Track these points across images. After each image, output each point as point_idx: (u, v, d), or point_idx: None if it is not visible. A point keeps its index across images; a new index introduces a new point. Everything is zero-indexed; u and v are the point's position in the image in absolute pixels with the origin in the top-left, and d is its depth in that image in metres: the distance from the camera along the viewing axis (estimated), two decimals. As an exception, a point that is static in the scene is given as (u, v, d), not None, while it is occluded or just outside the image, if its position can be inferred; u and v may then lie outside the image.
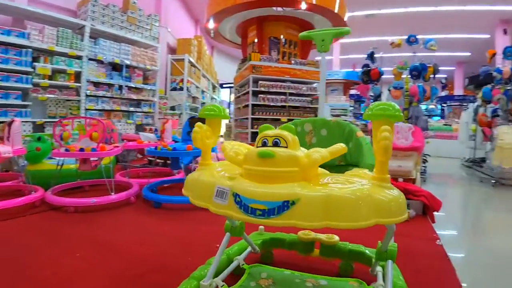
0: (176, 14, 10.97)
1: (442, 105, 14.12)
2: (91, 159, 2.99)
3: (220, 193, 0.91)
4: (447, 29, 12.87)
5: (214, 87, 13.16)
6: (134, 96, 6.75)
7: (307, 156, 0.93)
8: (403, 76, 5.23)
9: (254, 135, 6.69)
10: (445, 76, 15.95)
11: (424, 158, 5.14)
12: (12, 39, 4.80)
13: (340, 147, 0.95)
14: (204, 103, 11.03)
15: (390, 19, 12.38)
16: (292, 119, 6.88)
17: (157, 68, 7.26)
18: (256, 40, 8.05)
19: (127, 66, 6.59)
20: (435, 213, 2.72)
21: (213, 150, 1.28)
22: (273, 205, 0.82)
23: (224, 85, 15.31)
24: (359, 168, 1.25)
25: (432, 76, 5.08)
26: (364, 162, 1.27)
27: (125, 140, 4.10)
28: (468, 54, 16.48)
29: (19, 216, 2.50)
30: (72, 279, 1.55)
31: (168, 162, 4.94)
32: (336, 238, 1.69)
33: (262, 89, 6.72)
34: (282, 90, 6.87)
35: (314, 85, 7.26)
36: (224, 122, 9.33)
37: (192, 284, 1.26)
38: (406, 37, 5.30)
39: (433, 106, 6.66)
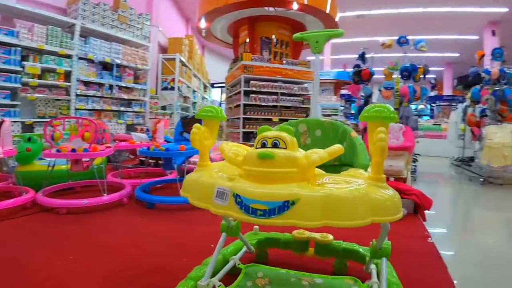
0: (167, 13, 10.91)
1: (432, 105, 14.30)
2: (83, 159, 2.97)
3: (221, 194, 0.92)
4: (436, 30, 13.04)
5: (205, 87, 13.13)
6: (124, 96, 6.70)
7: (306, 157, 0.95)
8: (393, 77, 5.29)
9: (246, 135, 6.69)
10: (435, 76, 16.15)
11: (415, 157, 5.21)
12: (0, 38, 4.71)
13: (337, 148, 0.97)
14: (195, 102, 11.00)
15: (380, 19, 12.50)
16: (284, 119, 6.90)
17: (148, 68, 7.22)
18: (247, 40, 8.04)
19: (118, 66, 6.54)
20: (426, 211, 2.76)
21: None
22: (273, 205, 0.84)
23: (215, 85, 15.27)
24: (354, 168, 1.27)
25: (422, 76, 5.15)
26: (358, 162, 1.29)
27: (117, 141, 4.06)
28: (457, 55, 16.73)
29: (10, 218, 2.47)
30: (67, 281, 1.54)
31: (160, 162, 4.91)
32: (330, 237, 1.72)
33: (254, 89, 6.72)
34: (274, 90, 6.88)
35: (305, 85, 7.29)
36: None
37: (189, 285, 1.26)
38: (396, 37, 5.36)
39: (422, 106, 6.74)
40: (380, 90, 5.30)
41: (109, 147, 3.13)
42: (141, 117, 7.27)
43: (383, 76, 5.42)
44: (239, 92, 6.83)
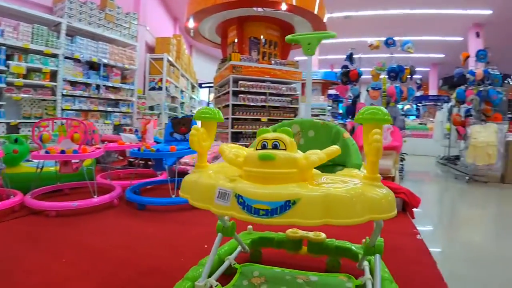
0: (155, 13, 10.81)
1: (418, 104, 14.57)
2: (72, 161, 2.93)
3: (222, 194, 0.93)
4: (422, 31, 13.27)
5: (193, 87, 13.06)
6: (112, 96, 6.61)
7: (305, 158, 0.97)
8: (381, 77, 5.38)
9: (235, 135, 6.69)
10: (420, 76, 16.43)
11: (402, 156, 5.30)
12: (-16, 37, 4.62)
13: (335, 149, 0.99)
14: (183, 103, 10.94)
15: (368, 20, 12.65)
16: (272, 119, 6.91)
17: (136, 67, 7.15)
18: (236, 40, 8.04)
19: (105, 65, 6.45)
20: (414, 209, 2.82)
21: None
22: (275, 205, 0.86)
23: (203, 85, 15.20)
24: (347, 167, 1.30)
25: (409, 77, 5.25)
26: (351, 162, 1.32)
27: (106, 142, 4.02)
28: (442, 55, 17.05)
29: (-2, 221, 2.43)
30: (61, 286, 1.52)
31: (150, 163, 4.89)
32: (323, 235, 1.74)
33: (242, 89, 6.72)
34: (262, 90, 6.90)
35: (294, 85, 7.33)
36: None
37: (187, 285, 1.27)
38: (384, 38, 5.44)
39: (409, 106, 6.87)
40: (367, 91, 5.38)
41: (99, 148, 3.09)
42: (128, 118, 7.19)
43: (371, 77, 5.50)
44: (228, 92, 6.82)
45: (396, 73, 5.14)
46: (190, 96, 12.46)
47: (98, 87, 6.29)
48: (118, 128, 6.69)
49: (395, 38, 5.43)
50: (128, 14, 7.12)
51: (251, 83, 6.81)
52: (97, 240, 2.13)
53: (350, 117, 5.58)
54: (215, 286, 1.28)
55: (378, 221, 1.15)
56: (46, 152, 2.68)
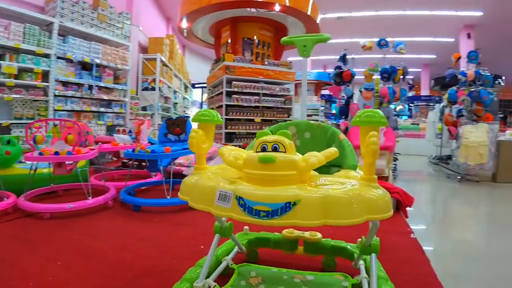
0: (148, 13, 10.76)
1: (410, 105, 14.72)
2: (66, 162, 2.91)
3: (223, 196, 0.94)
4: (414, 32, 13.40)
5: (186, 87, 13.03)
6: (104, 96, 6.57)
7: (305, 160, 0.99)
8: (373, 78, 5.42)
9: (228, 135, 6.70)
10: (412, 77, 16.54)
11: (395, 156, 5.35)
12: (-26, 37, 4.56)
13: (333, 151, 1.01)
14: (176, 103, 10.90)
15: (360, 21, 12.74)
16: (266, 120, 6.92)
17: (128, 68, 7.10)
18: (229, 41, 8.05)
19: (97, 65, 6.40)
20: (408, 208, 2.86)
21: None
22: (276, 207, 0.87)
23: (196, 85, 15.17)
24: (343, 168, 1.32)
25: (401, 77, 5.31)
26: (347, 163, 1.34)
27: (99, 143, 3.99)
28: (434, 56, 17.23)
29: (-9, 224, 2.40)
30: None
31: (143, 164, 4.87)
32: (319, 235, 1.76)
33: (236, 89, 6.73)
34: (256, 91, 6.91)
35: (287, 86, 7.36)
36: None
37: (185, 286, 1.28)
38: (376, 39, 5.49)
39: (401, 107, 6.95)
40: (361, 91, 5.42)
41: (93, 149, 3.08)
42: (121, 118, 7.14)
43: (364, 77, 5.54)
44: (221, 93, 6.83)
45: (388, 74, 5.19)
46: (183, 97, 12.43)
47: (90, 87, 6.24)
48: (111, 129, 6.64)
49: (387, 39, 5.48)
50: (121, 14, 7.07)
51: (245, 83, 6.82)
52: (92, 242, 2.12)
53: (343, 117, 5.62)
54: (213, 287, 1.28)
55: (374, 221, 1.17)
56: (40, 153, 2.66)
